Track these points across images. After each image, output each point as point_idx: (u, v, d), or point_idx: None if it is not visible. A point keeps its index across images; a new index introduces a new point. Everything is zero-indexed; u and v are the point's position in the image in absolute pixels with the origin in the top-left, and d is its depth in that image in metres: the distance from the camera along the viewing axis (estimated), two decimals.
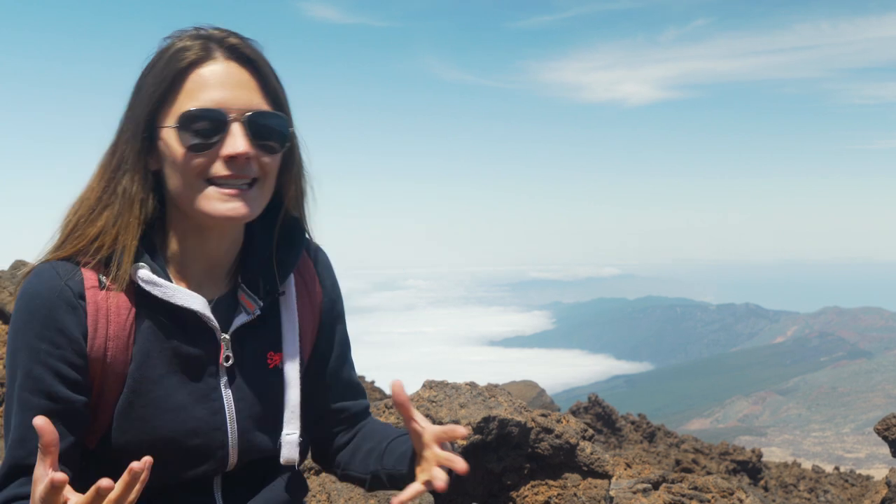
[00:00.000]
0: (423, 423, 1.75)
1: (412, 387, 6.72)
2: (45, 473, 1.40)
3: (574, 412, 14.10)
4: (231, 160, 1.70)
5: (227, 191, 1.71)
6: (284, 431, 1.92)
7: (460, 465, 1.67)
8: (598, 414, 14.23)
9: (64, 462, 1.68)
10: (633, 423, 14.53)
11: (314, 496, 3.73)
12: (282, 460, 1.92)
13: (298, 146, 1.89)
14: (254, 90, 1.75)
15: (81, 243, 1.74)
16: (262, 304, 1.86)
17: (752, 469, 12.66)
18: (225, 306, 1.85)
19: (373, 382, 13.13)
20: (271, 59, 1.83)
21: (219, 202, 1.71)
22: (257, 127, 1.73)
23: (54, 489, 1.36)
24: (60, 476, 1.36)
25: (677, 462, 11.52)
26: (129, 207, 1.74)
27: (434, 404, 4.26)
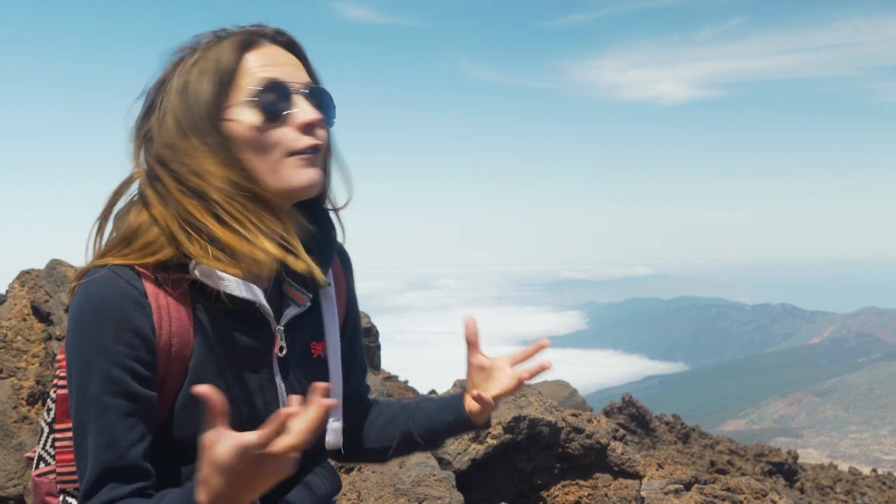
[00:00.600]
0: (489, 355, 1.83)
1: (445, 386, 6.71)
2: (221, 433, 1.45)
3: (608, 412, 14.04)
4: (306, 128, 1.74)
5: (306, 157, 1.74)
6: (331, 419, 1.97)
7: (547, 364, 1.79)
8: (632, 414, 14.15)
9: (148, 461, 1.70)
10: (667, 423, 14.44)
11: (344, 494, 3.74)
12: (327, 446, 1.97)
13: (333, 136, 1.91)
14: (302, 69, 1.80)
15: (127, 246, 1.74)
16: (311, 295, 1.89)
17: (787, 471, 12.54)
18: (273, 299, 1.86)
19: (406, 382, 13.13)
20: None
21: (301, 172, 1.74)
22: (317, 98, 1.78)
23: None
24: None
25: (712, 463, 11.43)
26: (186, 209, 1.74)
27: None
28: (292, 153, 1.74)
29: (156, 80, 1.79)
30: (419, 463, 3.91)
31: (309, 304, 1.89)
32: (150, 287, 1.73)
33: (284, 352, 1.86)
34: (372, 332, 6.59)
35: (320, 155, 1.79)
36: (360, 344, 2.19)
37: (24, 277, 6.51)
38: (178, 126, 1.74)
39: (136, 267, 1.73)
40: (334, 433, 1.99)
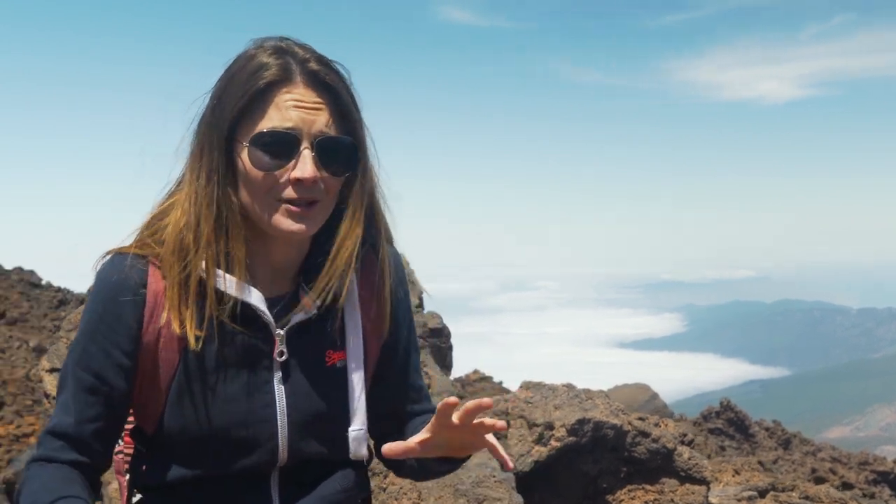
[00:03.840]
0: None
1: None
2: None
3: (705, 417, 13.85)
4: (298, 183, 1.77)
5: (294, 209, 1.79)
6: (351, 428, 1.96)
7: (501, 424, 1.72)
8: (731, 419, 13.87)
9: (99, 442, 1.83)
10: (767, 429, 14.10)
11: (405, 494, 3.71)
12: (351, 455, 1.96)
13: (370, 165, 1.93)
14: (327, 116, 1.81)
15: (152, 237, 1.86)
16: (318, 303, 1.90)
17: (893, 480, 12.13)
18: (287, 304, 1.91)
19: (500, 383, 13.28)
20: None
21: (285, 220, 1.80)
22: (326, 151, 1.79)
23: None
24: None
25: (813, 470, 11.15)
26: (205, 210, 1.83)
27: (529, 405, 4.22)
28: (282, 200, 1.79)
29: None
30: (480, 464, 3.92)
31: (315, 310, 1.91)
32: (153, 277, 1.84)
33: (284, 356, 1.89)
34: (444, 333, 6.60)
35: (314, 207, 1.82)
36: (410, 360, 2.14)
37: None
38: (197, 137, 1.86)
39: (151, 257, 1.85)
40: (356, 442, 1.97)
